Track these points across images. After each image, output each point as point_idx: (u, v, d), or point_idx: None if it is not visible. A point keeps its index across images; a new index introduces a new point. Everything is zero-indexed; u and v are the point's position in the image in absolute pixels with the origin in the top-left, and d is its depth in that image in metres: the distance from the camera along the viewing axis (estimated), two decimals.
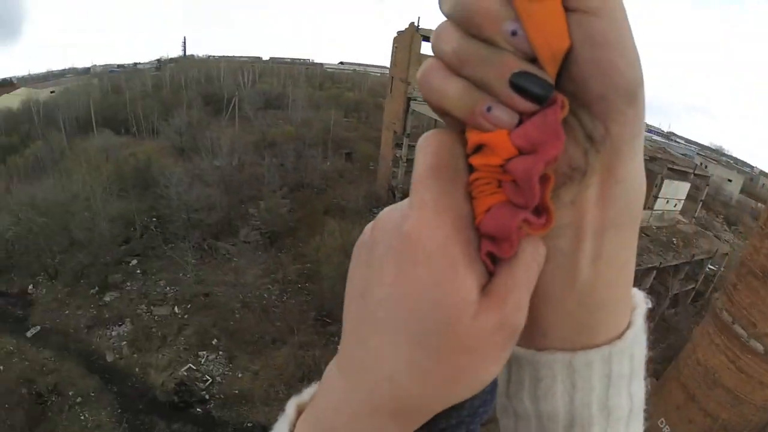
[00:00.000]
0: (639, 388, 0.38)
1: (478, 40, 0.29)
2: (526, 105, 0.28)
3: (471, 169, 0.31)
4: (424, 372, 0.30)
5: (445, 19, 0.30)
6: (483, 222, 0.30)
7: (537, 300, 0.33)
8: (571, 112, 0.29)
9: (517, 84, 0.28)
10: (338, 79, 72.46)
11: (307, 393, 0.39)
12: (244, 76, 52.05)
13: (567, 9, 0.27)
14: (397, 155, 27.75)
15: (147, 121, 40.42)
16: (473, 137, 0.30)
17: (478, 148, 0.30)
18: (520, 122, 0.28)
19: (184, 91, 48.66)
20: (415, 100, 27.32)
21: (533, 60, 0.28)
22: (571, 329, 0.34)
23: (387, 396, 0.32)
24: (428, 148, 0.32)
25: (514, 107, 0.28)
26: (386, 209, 0.34)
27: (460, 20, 0.29)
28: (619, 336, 0.35)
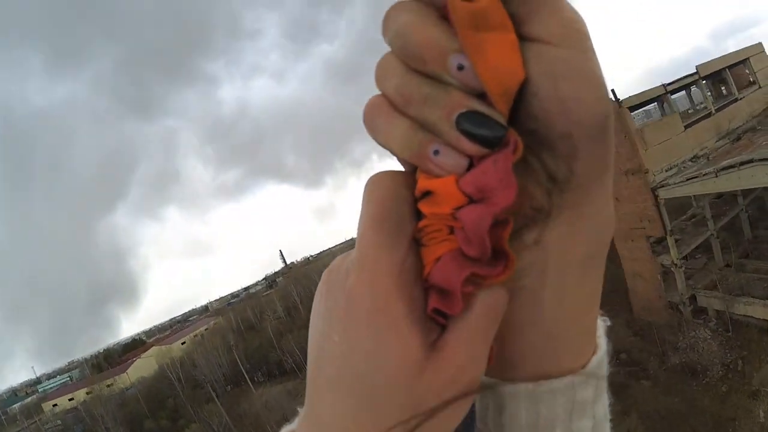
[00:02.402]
0: (602, 407, 0.37)
1: (422, 76, 0.26)
2: (475, 149, 0.25)
3: (420, 213, 0.28)
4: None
5: (389, 50, 0.27)
6: (431, 273, 0.27)
7: (501, 333, 0.31)
8: (532, 152, 0.26)
9: (464, 126, 0.25)
10: None
11: (297, 422, 0.36)
12: None
13: (523, 38, 0.24)
14: (665, 263, 19.76)
15: (304, 354, 33.07)
16: (421, 182, 0.27)
17: (427, 193, 0.27)
18: (472, 165, 0.25)
19: None
20: (663, 186, 18.78)
21: (483, 96, 0.25)
22: (537, 360, 0.33)
23: None
24: (372, 194, 0.29)
25: (462, 151, 0.25)
26: (339, 257, 0.32)
27: (402, 53, 0.26)
28: (584, 365, 0.34)
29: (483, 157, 0.24)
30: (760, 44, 27.08)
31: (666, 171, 19.70)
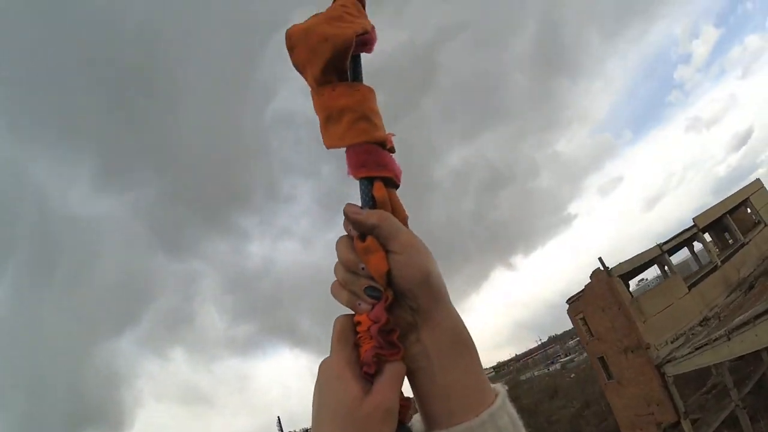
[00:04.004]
0: None
1: (350, 271, 0.57)
2: (372, 302, 0.55)
3: (356, 331, 0.57)
4: None
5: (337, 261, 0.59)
6: (362, 357, 0.55)
7: (420, 398, 0.57)
8: (401, 297, 0.56)
9: (368, 292, 0.56)
10: None
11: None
12: None
13: (387, 250, 0.55)
14: None
15: None
16: (356, 317, 0.57)
17: (358, 323, 0.56)
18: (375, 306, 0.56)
19: None
20: (669, 361, 17.27)
21: (372, 278, 0.56)
22: (442, 414, 0.55)
23: None
24: (336, 326, 0.58)
25: (368, 303, 0.56)
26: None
27: (341, 262, 0.58)
28: (477, 414, 0.55)
29: (375, 304, 0.55)
30: (758, 181, 26.00)
31: (671, 342, 18.13)
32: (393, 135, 0.62)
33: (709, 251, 23.20)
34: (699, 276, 21.80)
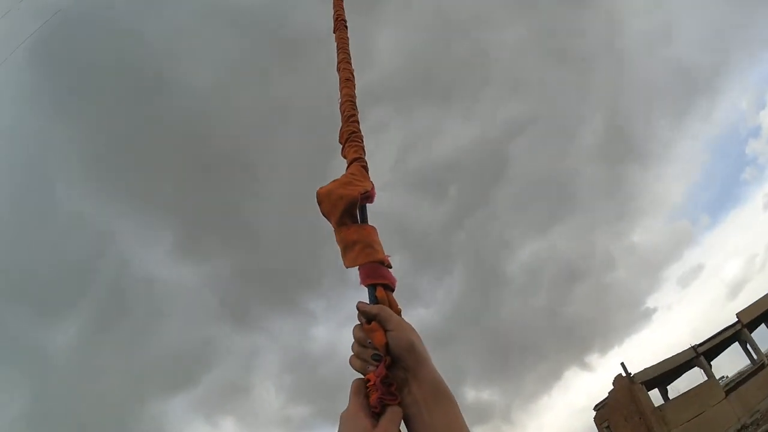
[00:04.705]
0: None
1: (360, 345, 0.84)
2: (377, 363, 0.78)
3: (367, 386, 0.80)
4: None
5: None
6: (371, 402, 0.76)
7: None
8: (397, 359, 0.79)
9: (373, 357, 0.80)
10: None
11: None
12: None
13: (385, 329, 0.82)
14: None
15: None
16: (366, 376, 0.80)
17: (368, 380, 0.79)
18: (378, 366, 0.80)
19: None
20: None
21: (376, 348, 0.80)
22: None
23: None
24: (353, 385, 0.80)
25: (374, 365, 0.79)
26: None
27: (355, 339, 0.86)
28: None
29: (378, 365, 0.79)
30: None
31: None
32: (389, 256, 0.94)
33: (754, 348, 21.60)
34: (740, 378, 20.29)
